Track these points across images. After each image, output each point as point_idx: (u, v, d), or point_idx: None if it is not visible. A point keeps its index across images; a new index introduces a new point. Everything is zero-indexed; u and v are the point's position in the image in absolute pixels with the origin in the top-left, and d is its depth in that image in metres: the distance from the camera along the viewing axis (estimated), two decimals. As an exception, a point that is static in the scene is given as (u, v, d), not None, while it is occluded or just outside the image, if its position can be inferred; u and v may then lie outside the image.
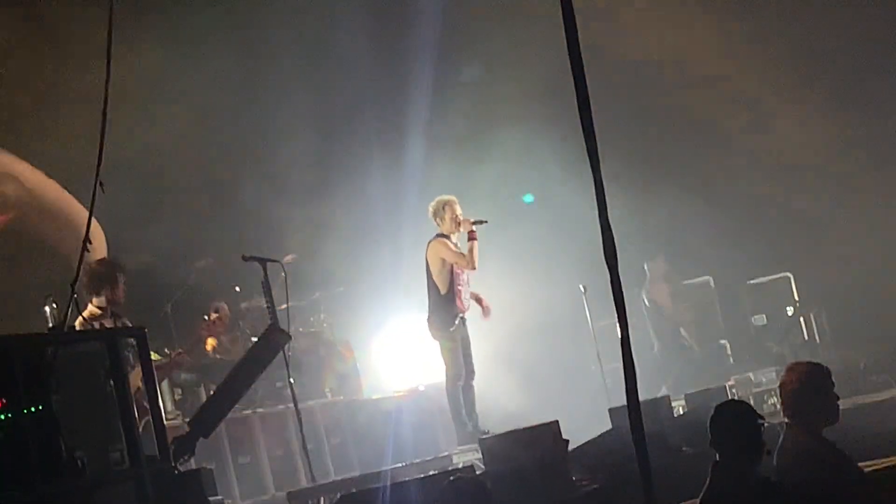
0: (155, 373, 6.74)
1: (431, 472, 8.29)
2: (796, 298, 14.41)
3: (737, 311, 14.94)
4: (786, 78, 14.44)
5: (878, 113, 14.58)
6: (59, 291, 8.58)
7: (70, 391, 5.69)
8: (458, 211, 10.12)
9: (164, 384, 9.40)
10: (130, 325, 8.13)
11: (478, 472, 8.11)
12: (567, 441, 8.06)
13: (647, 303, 14.54)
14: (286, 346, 8.42)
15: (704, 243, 15.03)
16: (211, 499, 6.71)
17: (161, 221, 11.67)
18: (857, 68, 14.62)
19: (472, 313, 10.36)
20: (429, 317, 10.20)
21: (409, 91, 13.95)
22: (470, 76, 14.92)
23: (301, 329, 12.09)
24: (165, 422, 6.79)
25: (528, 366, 13.86)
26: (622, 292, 3.79)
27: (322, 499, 8.75)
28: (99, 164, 5.71)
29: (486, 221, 10.18)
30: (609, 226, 3.75)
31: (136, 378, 7.00)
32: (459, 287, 10.10)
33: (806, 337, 14.10)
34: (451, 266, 10.02)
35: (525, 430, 8.08)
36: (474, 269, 10.06)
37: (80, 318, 8.08)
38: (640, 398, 3.78)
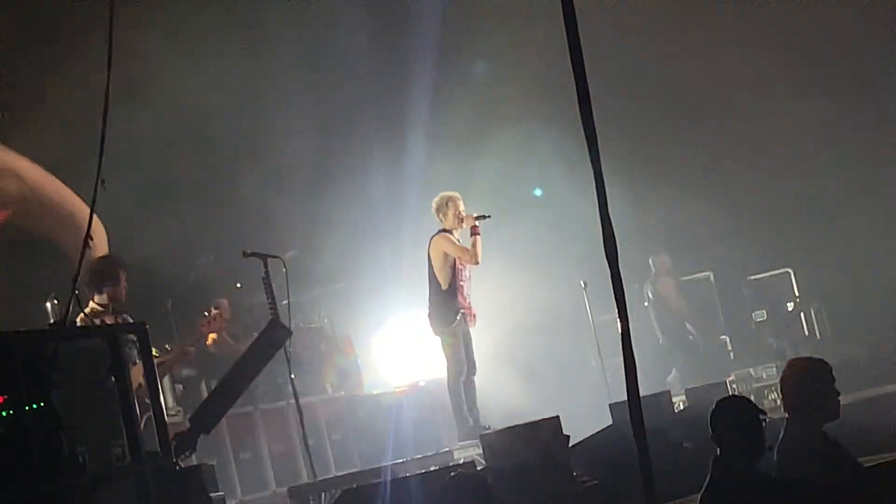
0: (156, 369, 6.74)
1: (432, 468, 8.32)
2: (796, 294, 14.43)
3: (737, 307, 14.96)
4: (787, 76, 14.44)
5: (879, 109, 14.58)
6: (61, 288, 8.61)
7: (71, 387, 5.68)
8: (461, 207, 10.13)
9: (166, 380, 9.40)
10: (132, 321, 8.14)
11: (479, 468, 8.11)
12: (568, 436, 8.07)
13: (651, 297, 14.55)
14: (287, 342, 8.43)
15: (705, 239, 15.06)
16: (212, 495, 6.71)
17: (162, 218, 11.67)
18: (858, 66, 14.61)
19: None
20: (430, 312, 10.21)
21: (409, 88, 13.96)
22: (479, 71, 14.92)
23: (302, 325, 12.10)
24: (167, 418, 6.78)
25: (529, 361, 13.88)
26: (623, 288, 3.80)
27: (323, 494, 8.74)
28: (100, 162, 5.71)
29: (489, 216, 10.19)
30: (609, 222, 3.77)
31: (137, 374, 7.00)
32: (461, 283, 10.11)
33: (806, 332, 14.12)
34: (453, 261, 10.03)
35: (526, 425, 8.09)
36: (477, 263, 10.07)
37: (81, 314, 8.08)
38: (642, 392, 3.79)
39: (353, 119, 14.22)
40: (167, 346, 9.70)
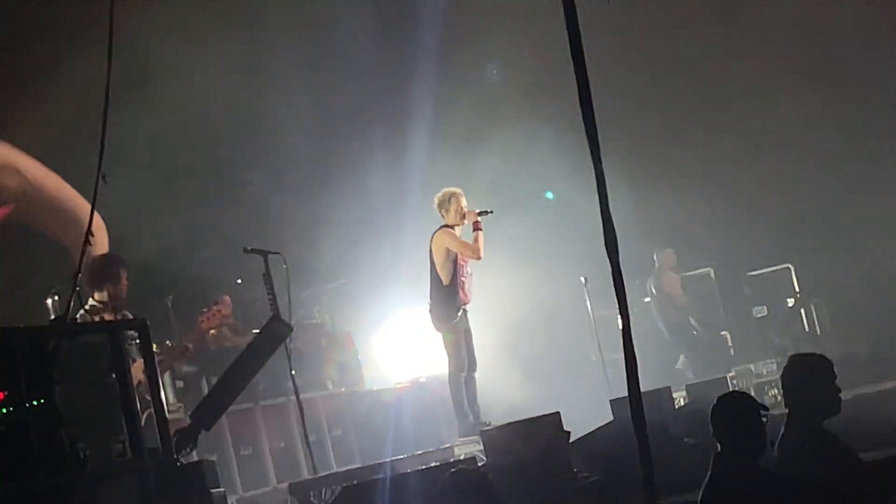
0: (157, 365, 6.74)
1: (433, 464, 8.31)
2: (797, 290, 14.42)
3: (737, 303, 14.95)
4: (788, 72, 14.43)
5: (881, 103, 14.57)
6: (61, 284, 8.61)
7: (72, 384, 5.69)
8: (464, 203, 10.14)
9: (167, 376, 9.41)
10: (132, 317, 8.15)
11: (479, 464, 8.12)
12: (568, 432, 8.07)
13: (654, 292, 14.55)
14: (288, 338, 8.43)
15: (705, 235, 15.05)
16: (213, 491, 6.72)
17: (163, 214, 11.68)
18: (860, 63, 14.60)
19: (474, 305, 10.37)
20: (431, 308, 10.22)
21: (411, 85, 13.97)
22: (484, 72, 14.94)
23: (303, 321, 12.10)
24: (167, 414, 6.79)
25: (530, 357, 13.87)
26: (623, 283, 3.80)
27: (324, 490, 8.74)
28: (101, 159, 5.71)
29: (491, 212, 10.21)
30: (610, 217, 3.77)
31: (138, 370, 7.01)
32: (462, 279, 10.11)
33: (807, 328, 14.11)
34: (455, 257, 10.04)
35: (526, 421, 8.09)
36: (480, 258, 10.08)
37: (81, 310, 8.08)
38: (643, 388, 3.79)
39: (354, 117, 14.23)
40: (168, 342, 9.70)
